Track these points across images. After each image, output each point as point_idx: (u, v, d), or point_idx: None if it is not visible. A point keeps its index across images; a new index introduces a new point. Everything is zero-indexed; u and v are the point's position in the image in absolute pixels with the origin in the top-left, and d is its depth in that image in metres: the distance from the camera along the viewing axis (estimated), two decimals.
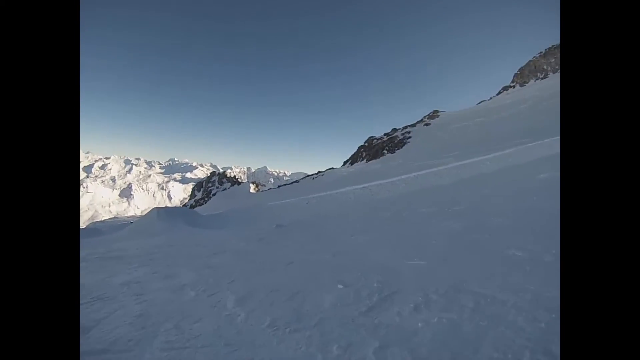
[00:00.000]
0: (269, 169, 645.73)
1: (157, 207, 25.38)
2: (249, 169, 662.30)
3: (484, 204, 10.61)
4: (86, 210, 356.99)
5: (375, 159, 56.81)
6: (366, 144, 69.15)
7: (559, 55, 73.20)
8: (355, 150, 70.42)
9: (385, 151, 58.08)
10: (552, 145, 19.89)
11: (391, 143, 61.13)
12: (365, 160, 60.60)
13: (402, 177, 24.98)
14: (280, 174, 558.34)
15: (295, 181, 62.50)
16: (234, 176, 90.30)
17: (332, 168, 65.16)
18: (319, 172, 62.90)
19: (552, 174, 11.95)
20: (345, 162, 69.31)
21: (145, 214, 25.64)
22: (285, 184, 64.71)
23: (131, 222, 27.39)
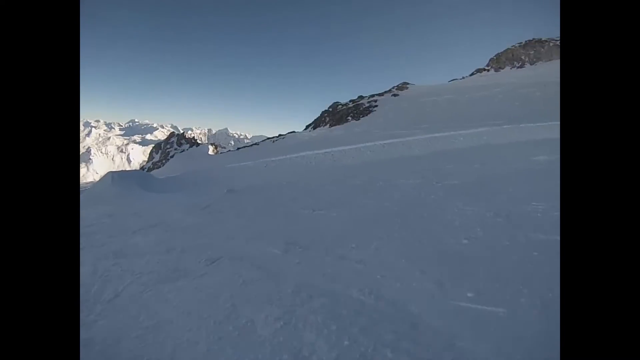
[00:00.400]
0: (230, 131, 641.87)
1: (111, 172, 24.16)
2: (209, 130, 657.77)
3: (488, 181, 8.77)
4: None
5: (339, 125, 55.61)
6: (330, 110, 67.87)
7: (539, 48, 73.58)
8: (319, 115, 69.01)
9: (349, 118, 57.12)
10: (530, 130, 18.73)
11: (356, 110, 59.97)
12: (328, 126, 59.39)
13: (367, 144, 23.90)
14: (242, 137, 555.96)
15: (255, 144, 61.42)
16: (193, 137, 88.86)
17: (294, 132, 63.83)
18: (280, 135, 61.71)
19: (546, 157, 10.47)
20: (307, 127, 68.00)
21: (100, 179, 24.51)
22: (244, 147, 63.45)
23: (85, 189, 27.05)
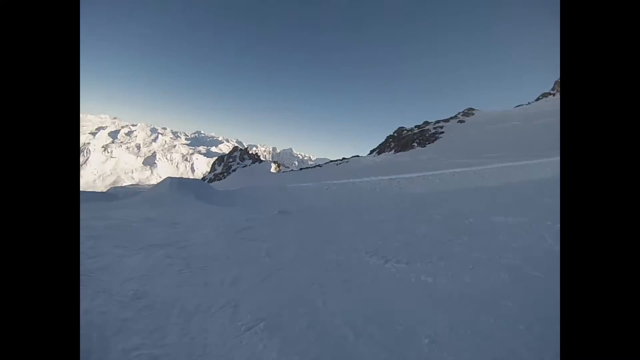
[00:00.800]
0: (294, 151, 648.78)
1: (170, 177, 24.68)
2: (274, 149, 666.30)
3: None
4: (109, 175, 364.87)
5: (404, 150, 54.50)
6: (395, 135, 66.73)
7: None
8: (384, 140, 67.60)
9: (415, 144, 55.75)
10: None
11: (422, 136, 58.38)
12: (393, 151, 58.09)
13: (435, 172, 22.23)
14: (306, 158, 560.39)
15: (318, 165, 60.73)
16: (256, 154, 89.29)
17: (358, 156, 62.61)
18: (344, 158, 60.95)
19: None
20: (372, 151, 67.20)
21: (159, 183, 25.49)
22: (307, 167, 63.32)
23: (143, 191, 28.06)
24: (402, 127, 68.52)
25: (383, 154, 59.46)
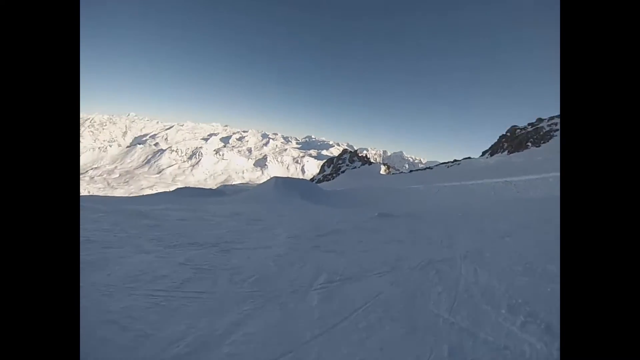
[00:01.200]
0: (405, 154, 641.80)
1: (276, 177, 26.49)
2: (384, 152, 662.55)
3: None
4: (220, 174, 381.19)
5: (518, 151, 51.74)
6: (508, 134, 63.58)
7: None
8: (496, 141, 64.99)
9: (529, 144, 52.75)
10: None
11: (536, 135, 55.33)
12: (506, 152, 55.56)
13: (554, 174, 20.65)
14: (416, 161, 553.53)
15: (429, 167, 59.52)
16: (366, 156, 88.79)
17: (470, 157, 60.79)
18: (455, 160, 59.07)
19: None
20: (484, 152, 64.70)
21: (265, 182, 27.23)
22: (417, 170, 62.22)
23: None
24: (515, 126, 65.11)
25: (496, 155, 57.19)
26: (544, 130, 56.01)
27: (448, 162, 57.89)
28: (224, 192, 30.68)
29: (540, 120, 62.94)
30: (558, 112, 63.19)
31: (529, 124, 63.91)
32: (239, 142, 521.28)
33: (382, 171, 70.37)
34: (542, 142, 51.99)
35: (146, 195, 28.01)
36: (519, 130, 62.85)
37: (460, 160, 57.72)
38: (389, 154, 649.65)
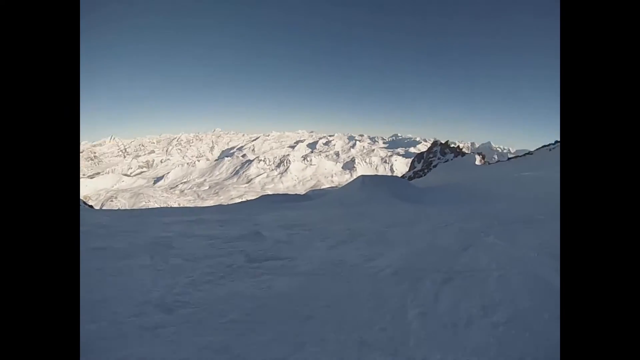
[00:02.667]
0: (493, 144, 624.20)
1: (363, 175, 25.61)
2: (472, 144, 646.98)
3: None
4: (309, 180, 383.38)
5: None
6: None
7: None
8: None
9: None
10: None
11: None
12: None
13: None
14: (505, 150, 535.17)
15: (528, 152, 54.54)
16: (458, 146, 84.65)
17: None
18: (556, 141, 52.45)
19: None
20: None
21: (351, 181, 26.23)
22: (516, 156, 58.07)
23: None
24: None
25: None
26: None
27: (549, 145, 52.31)
28: (310, 196, 30.39)
29: None
30: None
31: None
32: (326, 146, 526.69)
33: (478, 161, 66.51)
34: None
35: (223, 205, 27.09)
36: None
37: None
38: (477, 145, 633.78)
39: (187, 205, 25.87)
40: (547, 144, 53.74)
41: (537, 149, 53.93)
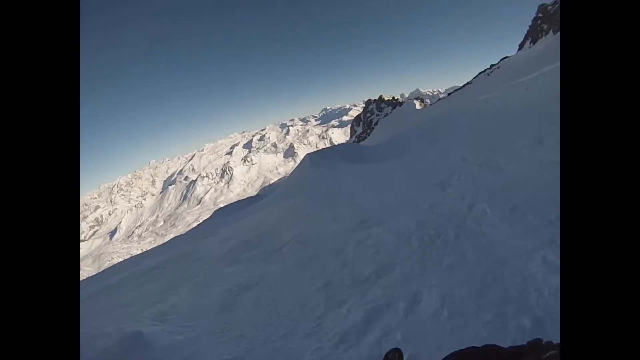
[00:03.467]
0: (421, 90, 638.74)
1: (309, 153, 24.83)
2: (402, 95, 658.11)
3: None
4: (256, 180, 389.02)
5: None
6: (540, 15, 57.55)
7: None
8: (529, 27, 59.15)
9: None
10: None
11: None
12: (552, 32, 49.91)
13: None
14: (435, 93, 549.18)
15: (468, 82, 54.64)
16: (394, 97, 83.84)
17: (507, 57, 54.92)
18: (492, 65, 54.37)
19: None
20: (521, 46, 58.75)
21: (299, 164, 25.37)
22: (455, 90, 58.03)
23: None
24: (543, 4, 59.52)
25: (540, 41, 52.22)
26: None
27: (485, 71, 53.77)
28: (264, 195, 29.72)
29: None
30: None
31: None
32: (261, 142, 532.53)
33: (418, 106, 67.34)
34: None
35: (159, 246, 24.54)
36: (550, 7, 57.74)
37: (498, 63, 53.31)
38: (406, 95, 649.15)
39: (151, 248, 24.42)
40: (482, 70, 53.75)
41: (474, 77, 53.75)
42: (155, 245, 30.50)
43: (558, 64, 20.84)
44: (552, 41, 43.87)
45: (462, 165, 9.46)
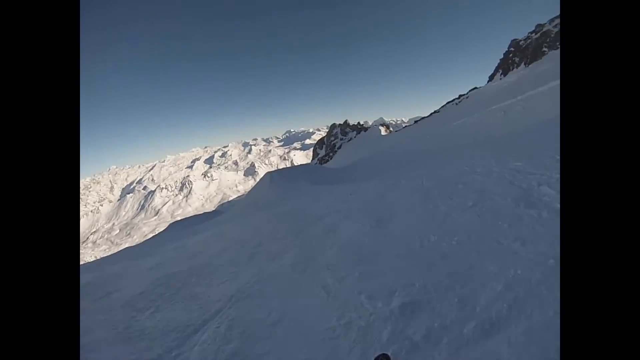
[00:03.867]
0: (385, 119, 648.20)
1: (269, 172, 24.59)
2: (365, 122, 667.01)
3: None
4: (215, 195, 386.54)
5: (538, 59, 47.56)
6: (512, 49, 58.92)
7: None
8: (501, 59, 60.86)
9: (545, 49, 48.66)
10: None
11: (547, 38, 52.21)
12: (523, 65, 51.37)
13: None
14: (398, 122, 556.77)
15: (436, 111, 55.24)
16: (359, 122, 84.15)
17: (475, 88, 56.26)
18: (460, 95, 55.56)
19: None
20: (490, 77, 59.72)
21: (259, 181, 25.53)
22: (422, 118, 58.84)
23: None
24: (515, 39, 61.04)
25: (512, 73, 53.48)
26: (553, 32, 53.00)
27: (454, 100, 54.81)
28: (222, 211, 29.33)
29: (540, 25, 59.98)
30: (553, 14, 60.59)
31: (531, 32, 60.25)
32: (223, 158, 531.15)
33: (383, 132, 68.38)
34: (557, 43, 49.66)
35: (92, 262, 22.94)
36: (522, 41, 59.78)
37: (467, 94, 54.23)
38: (370, 123, 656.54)
39: (104, 256, 23.35)
40: (450, 100, 54.31)
41: (442, 107, 54.23)
42: (110, 253, 29.43)
43: (533, 92, 22.07)
44: (524, 73, 44.43)
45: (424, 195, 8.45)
